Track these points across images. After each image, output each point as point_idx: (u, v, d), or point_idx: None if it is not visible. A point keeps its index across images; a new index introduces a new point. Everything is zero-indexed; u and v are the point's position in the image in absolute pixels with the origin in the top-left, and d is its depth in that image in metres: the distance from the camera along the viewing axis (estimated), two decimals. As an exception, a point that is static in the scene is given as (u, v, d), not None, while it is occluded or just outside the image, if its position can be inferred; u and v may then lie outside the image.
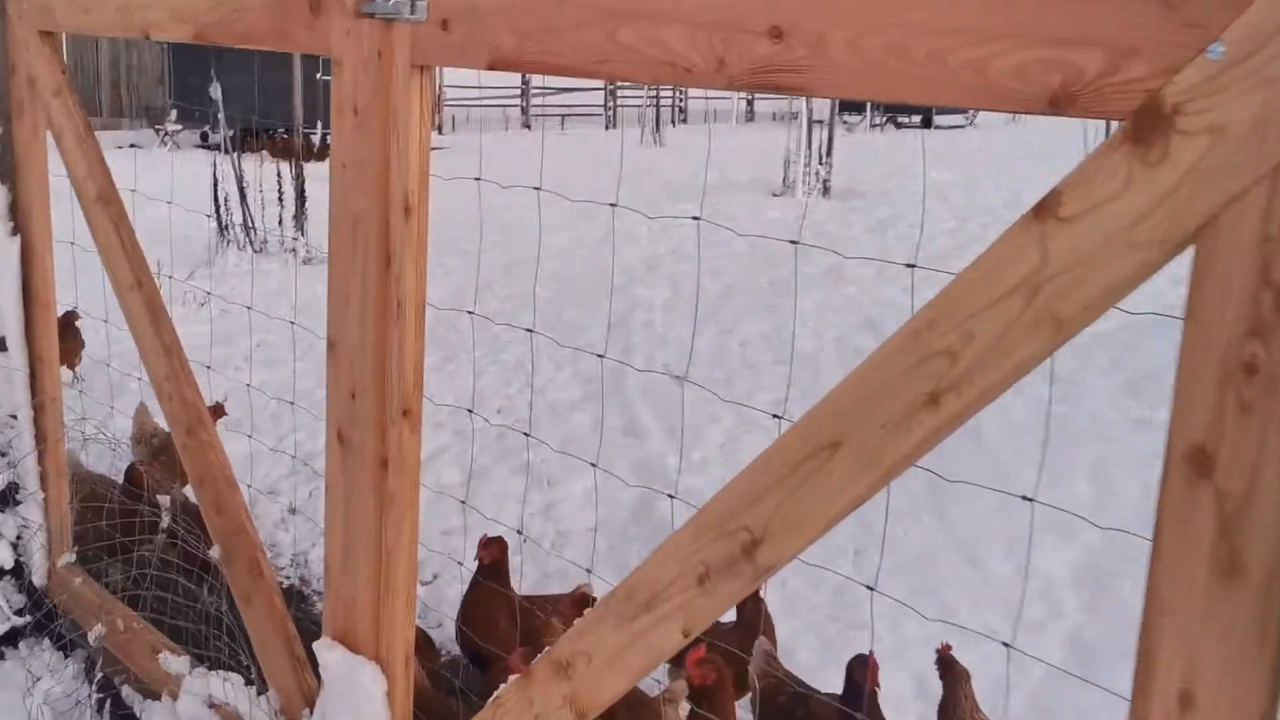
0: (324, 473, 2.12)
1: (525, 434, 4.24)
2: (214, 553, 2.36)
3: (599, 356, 2.33)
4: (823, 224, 11.72)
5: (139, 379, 6.03)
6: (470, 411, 3.32)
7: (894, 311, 7.55)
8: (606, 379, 6.02)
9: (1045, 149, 22.09)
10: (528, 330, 2.47)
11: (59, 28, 2.65)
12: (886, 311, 7.54)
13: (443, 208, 9.35)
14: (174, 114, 23.40)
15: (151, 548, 3.04)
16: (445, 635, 3.45)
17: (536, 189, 2.34)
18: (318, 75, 21.76)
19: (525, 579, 3.83)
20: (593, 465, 2.87)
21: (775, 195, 14.28)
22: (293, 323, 3.00)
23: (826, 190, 14.08)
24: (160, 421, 4.42)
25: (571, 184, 12.74)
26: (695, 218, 1.95)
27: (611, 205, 2.15)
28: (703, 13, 1.37)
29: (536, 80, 34.60)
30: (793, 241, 1.78)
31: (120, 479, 3.61)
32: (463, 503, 3.69)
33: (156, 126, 22.92)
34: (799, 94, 1.31)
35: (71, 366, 5.76)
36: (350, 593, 2.04)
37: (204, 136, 22.42)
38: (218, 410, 4.20)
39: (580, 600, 2.94)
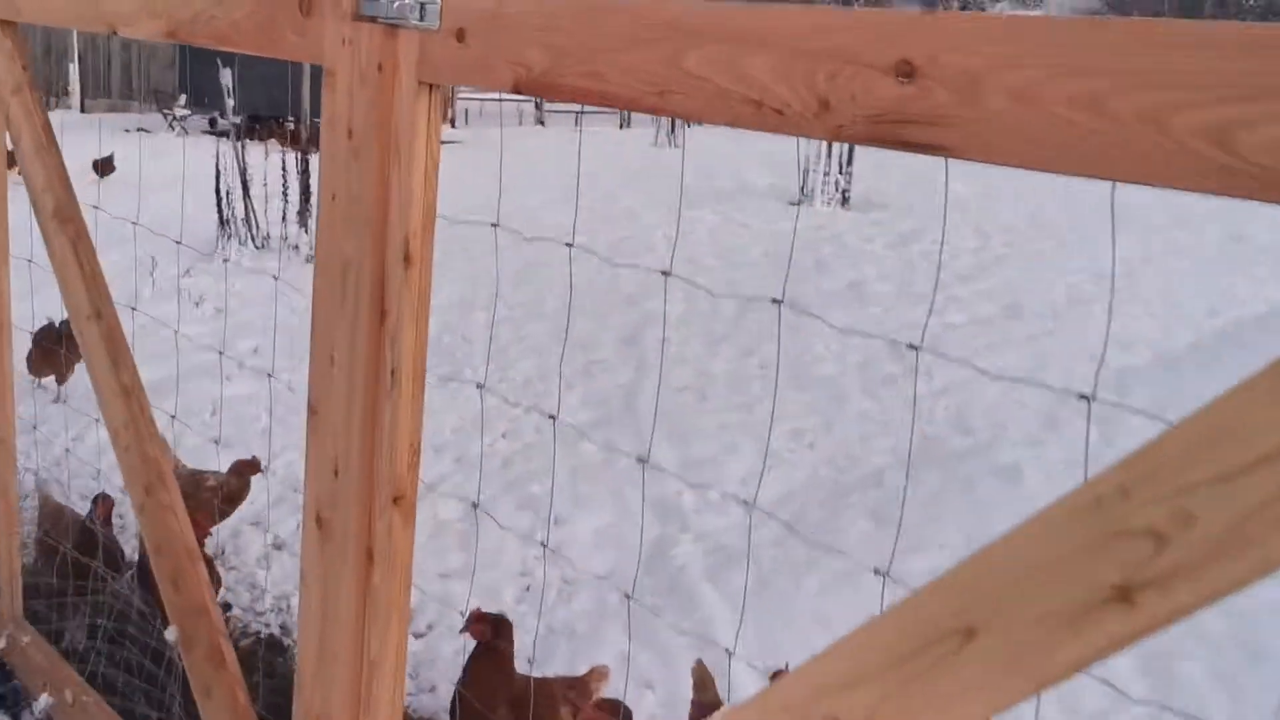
0: (299, 558, 1.78)
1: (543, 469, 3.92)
2: (170, 634, 2.03)
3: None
4: (843, 236, 11.36)
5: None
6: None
7: (919, 336, 7.21)
8: (618, 401, 5.68)
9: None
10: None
11: (20, 16, 2.32)
12: (915, 336, 7.19)
13: (452, 203, 9.07)
14: (183, 99, 23.11)
15: (109, 597, 2.71)
16: (439, 703, 3.12)
17: (493, 225, 2.03)
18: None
19: (529, 632, 3.50)
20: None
21: (792, 204, 13.92)
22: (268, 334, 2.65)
23: (846, 200, 13.73)
24: (180, 456, 4.07)
25: (583, 188, 12.43)
26: (665, 272, 1.60)
27: (568, 245, 1.85)
28: (804, 37, 1.03)
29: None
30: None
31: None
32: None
33: (165, 111, 22.59)
34: (936, 153, 0.97)
35: (61, 380, 5.42)
36: (323, 708, 1.71)
37: (212, 123, 22.08)
38: (254, 466, 3.83)
39: (598, 679, 2.61)
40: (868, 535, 4.30)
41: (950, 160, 0.99)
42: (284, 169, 9.57)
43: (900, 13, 0.98)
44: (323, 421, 1.69)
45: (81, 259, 2.19)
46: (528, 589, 3.85)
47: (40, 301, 6.09)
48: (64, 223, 2.20)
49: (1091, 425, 4.28)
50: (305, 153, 9.41)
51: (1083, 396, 1.22)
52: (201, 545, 3.07)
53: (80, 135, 20.13)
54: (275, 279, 2.92)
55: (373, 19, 1.53)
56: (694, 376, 6.13)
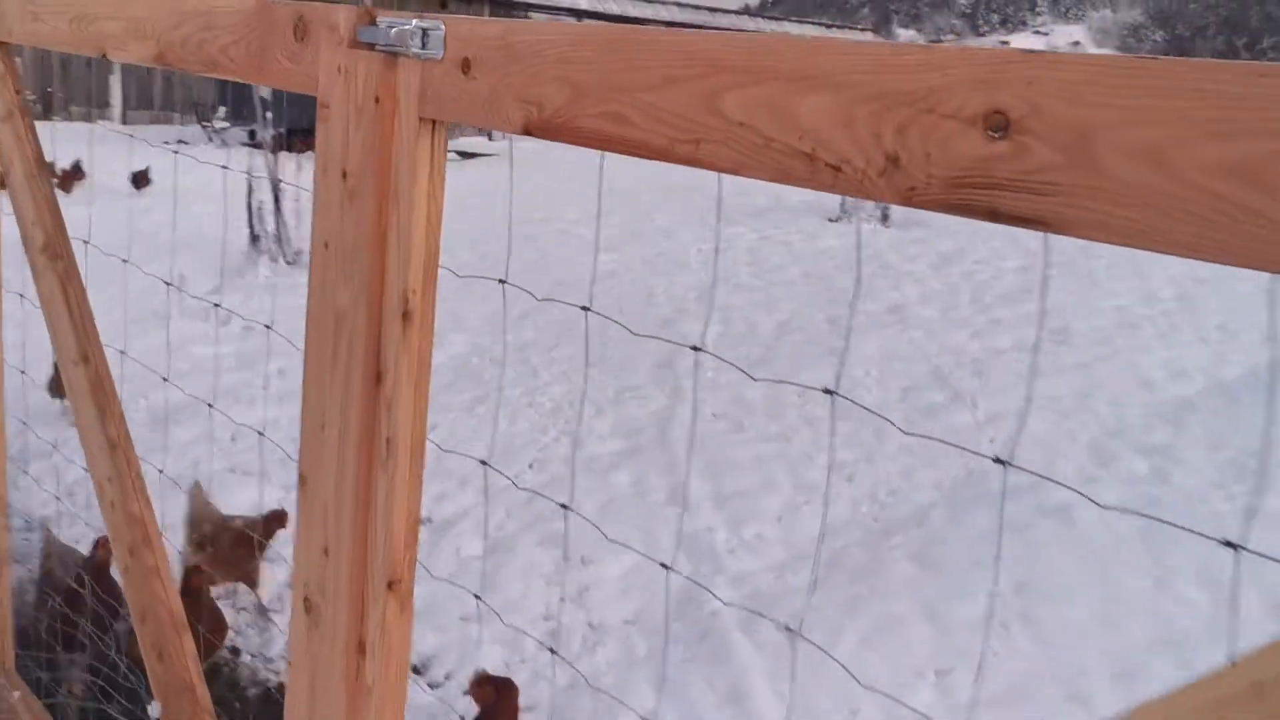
0: (287, 644, 1.61)
1: (562, 505, 3.73)
2: (153, 710, 1.86)
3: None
4: (884, 254, 11.13)
5: (144, 400, 5.56)
6: (491, 468, 2.81)
7: (964, 362, 6.97)
8: (650, 431, 5.48)
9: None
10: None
11: (12, 38, 2.17)
12: (956, 362, 6.95)
13: (477, 221, 8.92)
14: (222, 111, 23.22)
15: (96, 658, 2.55)
16: (453, 763, 2.94)
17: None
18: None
19: (551, 683, 3.31)
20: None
21: (832, 221, 13.69)
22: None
23: (886, 217, 13.48)
24: (219, 505, 3.91)
25: (618, 204, 12.34)
26: (583, 307, 1.41)
27: (500, 281, 1.68)
28: (867, 78, 0.84)
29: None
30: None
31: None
32: (477, 597, 3.18)
33: (204, 123, 22.70)
34: (1035, 227, 0.77)
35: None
36: (311, 811, 1.53)
37: (251, 135, 22.17)
38: (280, 519, 3.67)
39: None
40: (912, 579, 4.08)
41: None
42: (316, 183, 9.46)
43: (991, 50, 0.79)
44: (313, 493, 1.51)
45: (70, 299, 2.03)
46: (552, 634, 3.66)
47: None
48: (53, 259, 2.05)
49: (1144, 459, 4.05)
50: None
51: (998, 460, 1.02)
52: (208, 593, 2.91)
53: (120, 148, 20.18)
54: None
55: (371, 46, 1.35)
56: (729, 404, 5.92)
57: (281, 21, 1.51)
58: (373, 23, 1.37)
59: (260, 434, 2.40)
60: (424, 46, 1.29)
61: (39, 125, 2.30)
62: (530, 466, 4.96)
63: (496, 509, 4.49)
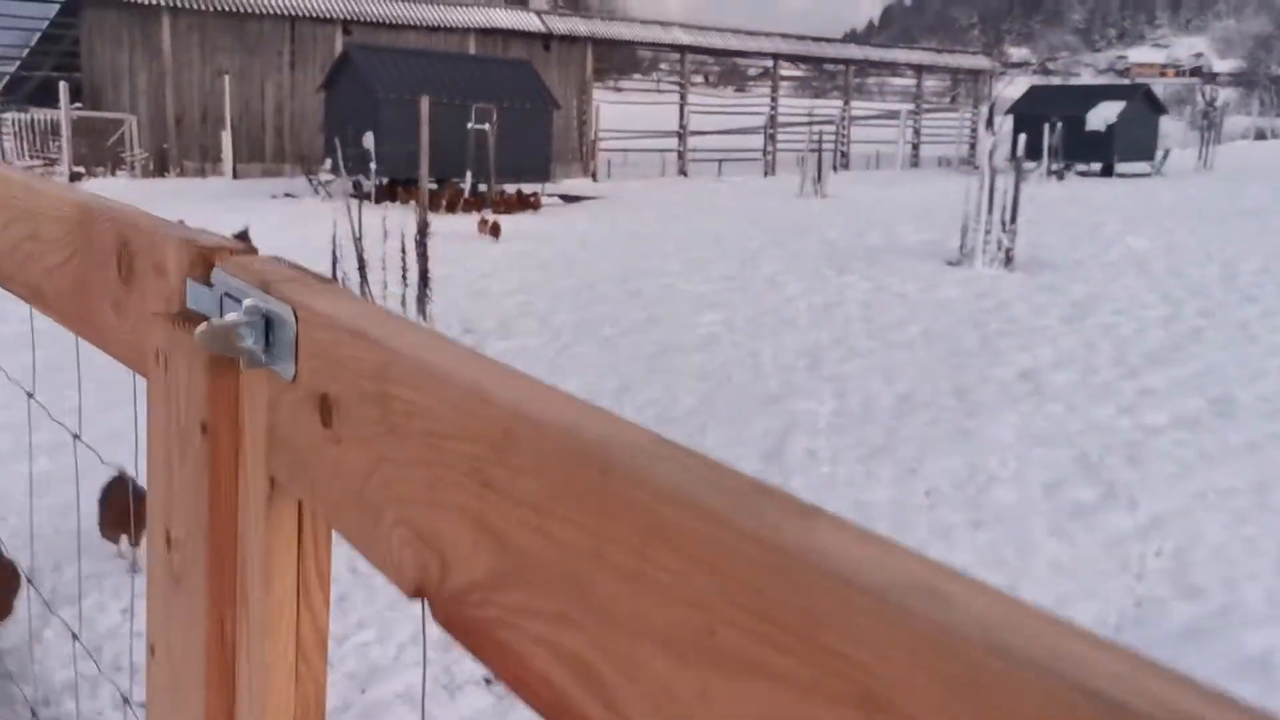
0: None
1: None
2: None
3: None
4: (1010, 305, 10.25)
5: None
6: None
7: (1114, 445, 6.12)
8: (758, 547, 4.80)
9: (1251, 201, 19.92)
10: None
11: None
12: (1108, 445, 6.10)
13: (587, 272, 8.41)
14: (328, 163, 23.34)
15: None
16: None
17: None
18: (468, 125, 21.34)
19: None
20: None
21: (951, 264, 12.84)
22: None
23: (1010, 260, 12.57)
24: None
25: (723, 250, 11.71)
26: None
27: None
28: None
29: (694, 124, 33.84)
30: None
31: None
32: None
33: (310, 175, 22.82)
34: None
35: (135, 541, 4.81)
36: None
37: (357, 186, 22.23)
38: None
39: None
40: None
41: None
42: (403, 247, 9.07)
43: None
44: None
45: None
46: None
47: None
48: None
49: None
50: (422, 230, 8.86)
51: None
52: None
53: (226, 204, 20.48)
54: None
55: (205, 319, 0.74)
56: (849, 508, 5.20)
57: (103, 247, 0.91)
58: (206, 276, 0.76)
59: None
60: (267, 352, 0.67)
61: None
62: (618, 599, 4.32)
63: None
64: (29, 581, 4.36)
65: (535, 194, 21.28)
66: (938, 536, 4.89)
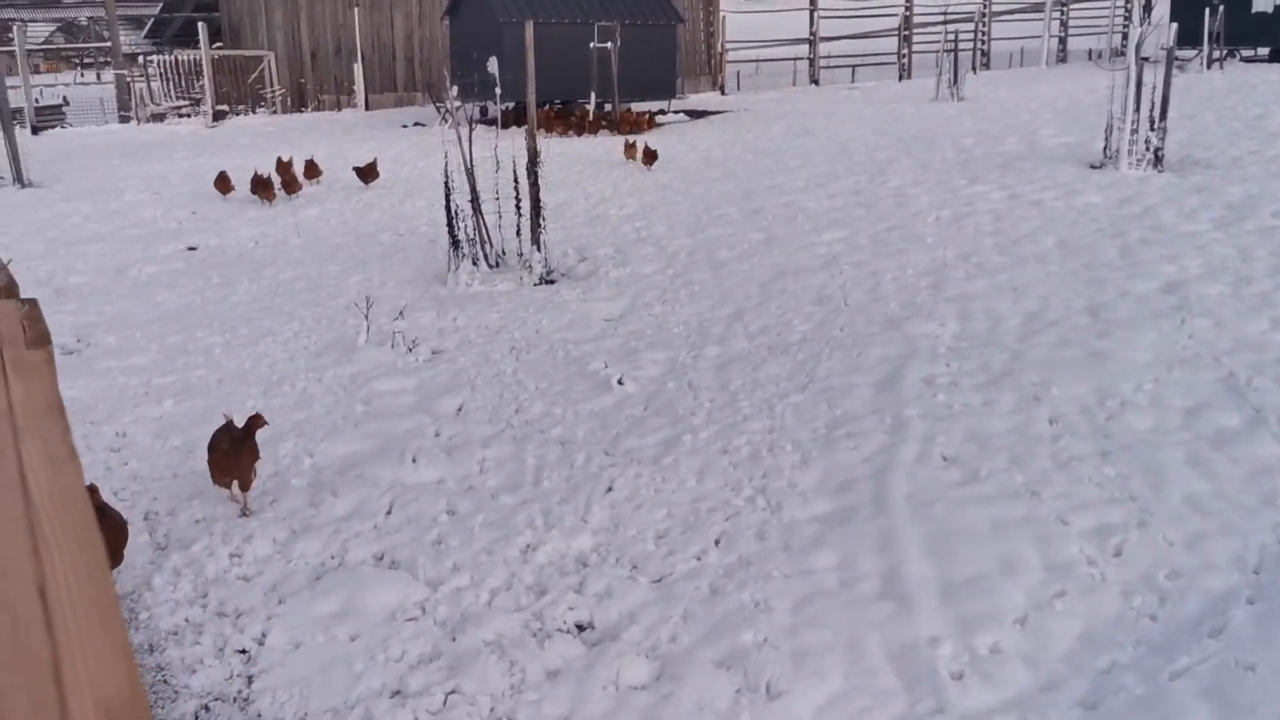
0: None
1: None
2: None
3: None
4: (1156, 210, 9.58)
5: (309, 459, 5.13)
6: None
7: (1267, 363, 5.65)
8: (864, 485, 4.59)
9: None
10: None
11: None
12: (1259, 365, 5.64)
13: (707, 192, 8.23)
14: (455, 90, 23.40)
15: None
16: None
17: None
18: (591, 44, 21.06)
19: None
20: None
21: (1094, 168, 12.08)
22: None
23: (1159, 160, 11.74)
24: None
25: (852, 159, 11.30)
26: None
27: None
28: None
29: (825, 30, 32.71)
30: None
31: None
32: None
33: (438, 104, 22.92)
34: None
35: (245, 486, 4.90)
36: None
37: (483, 111, 22.26)
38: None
39: None
40: (1206, 725, 3.06)
41: None
42: (515, 176, 8.98)
43: None
44: None
45: None
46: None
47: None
48: None
49: None
50: (533, 158, 8.72)
51: None
52: None
53: (359, 135, 20.79)
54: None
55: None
56: (964, 440, 4.94)
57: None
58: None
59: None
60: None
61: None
62: (717, 543, 4.19)
63: (674, 608, 3.75)
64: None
65: (646, 113, 20.89)
66: (1059, 469, 4.59)
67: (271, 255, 10.01)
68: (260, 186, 12.78)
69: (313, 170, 14.12)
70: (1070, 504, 4.30)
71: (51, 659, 0.65)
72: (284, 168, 13.50)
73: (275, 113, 27.24)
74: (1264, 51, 28.94)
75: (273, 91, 27.62)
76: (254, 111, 27.30)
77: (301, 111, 27.73)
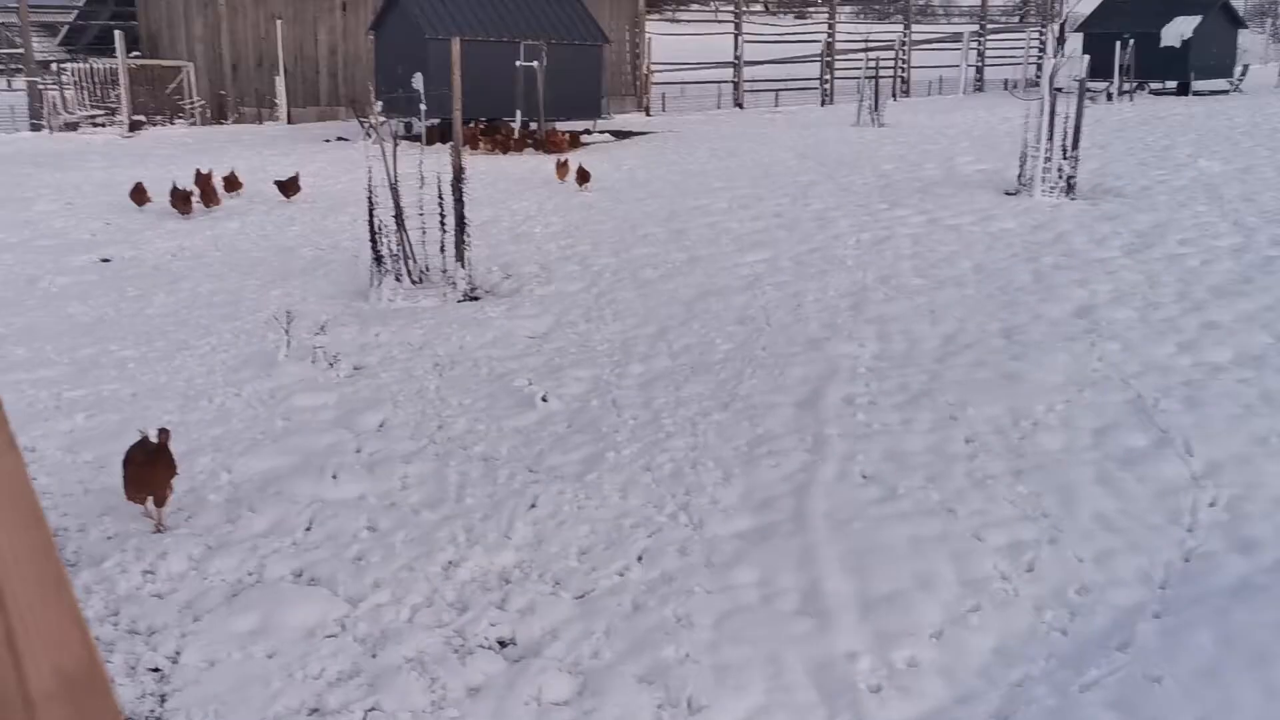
0: None
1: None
2: None
3: None
4: (1069, 236, 9.87)
5: (226, 474, 5.04)
6: None
7: (1172, 385, 5.84)
8: (784, 502, 4.64)
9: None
10: None
11: None
12: (1166, 387, 5.82)
13: (631, 212, 8.27)
14: (379, 105, 23.21)
15: None
16: None
17: None
18: (517, 62, 21.05)
19: None
20: None
21: (1009, 194, 12.41)
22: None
23: (1071, 188, 12.09)
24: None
25: (775, 183, 11.42)
26: None
27: None
28: None
29: (749, 53, 33.10)
30: None
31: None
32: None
33: (361, 119, 22.72)
34: None
35: (160, 502, 4.79)
36: None
37: (408, 127, 22.10)
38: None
39: None
40: (1113, 735, 3.14)
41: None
42: (440, 193, 8.93)
43: None
44: None
45: None
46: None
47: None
48: None
49: None
50: (458, 175, 8.68)
51: None
52: None
53: (280, 149, 20.44)
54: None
55: None
56: (883, 459, 5.02)
57: None
58: None
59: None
60: None
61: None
62: (639, 559, 4.20)
63: (596, 624, 3.76)
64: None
65: (571, 133, 20.94)
66: (975, 487, 4.69)
67: (189, 268, 9.82)
68: (178, 199, 12.53)
69: (233, 183, 13.90)
70: (985, 521, 4.39)
71: (4, 630, 0.70)
72: (203, 180, 13.25)
73: (195, 124, 26.76)
74: (1172, 85, 29.97)
75: (191, 103, 27.13)
76: (172, 122, 26.78)
77: (222, 123, 27.27)
